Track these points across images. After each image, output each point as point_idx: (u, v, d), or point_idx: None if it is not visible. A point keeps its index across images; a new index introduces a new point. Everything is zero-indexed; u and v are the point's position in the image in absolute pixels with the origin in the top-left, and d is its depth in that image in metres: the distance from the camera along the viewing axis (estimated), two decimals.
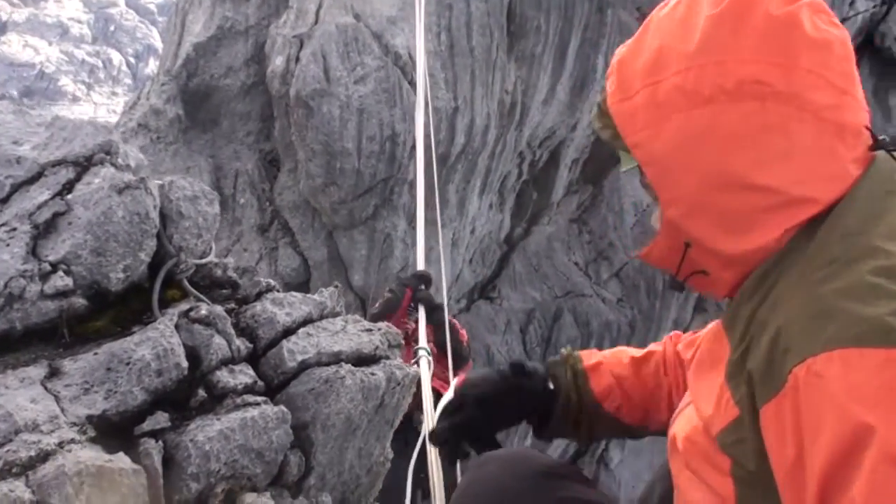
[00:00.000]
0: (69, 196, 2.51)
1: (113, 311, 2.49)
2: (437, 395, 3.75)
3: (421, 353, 3.98)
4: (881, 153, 1.32)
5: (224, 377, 2.39)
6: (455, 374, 5.20)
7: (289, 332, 2.64)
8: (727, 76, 1.25)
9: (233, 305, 2.69)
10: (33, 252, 2.39)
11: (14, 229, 2.40)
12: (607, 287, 13.00)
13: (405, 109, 8.83)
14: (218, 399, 2.36)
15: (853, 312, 1.12)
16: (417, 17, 5.36)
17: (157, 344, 2.31)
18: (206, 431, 2.21)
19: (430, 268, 5.15)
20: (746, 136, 1.26)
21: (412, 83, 8.82)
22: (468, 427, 1.82)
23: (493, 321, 12.08)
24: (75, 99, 42.89)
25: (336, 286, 2.97)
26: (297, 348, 2.56)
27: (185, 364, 2.33)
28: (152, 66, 42.81)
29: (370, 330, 2.80)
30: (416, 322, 4.72)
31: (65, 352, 2.33)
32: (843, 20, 12.30)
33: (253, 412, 2.32)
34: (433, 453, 3.13)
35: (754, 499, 1.32)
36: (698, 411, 1.44)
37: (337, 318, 2.82)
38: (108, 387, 2.20)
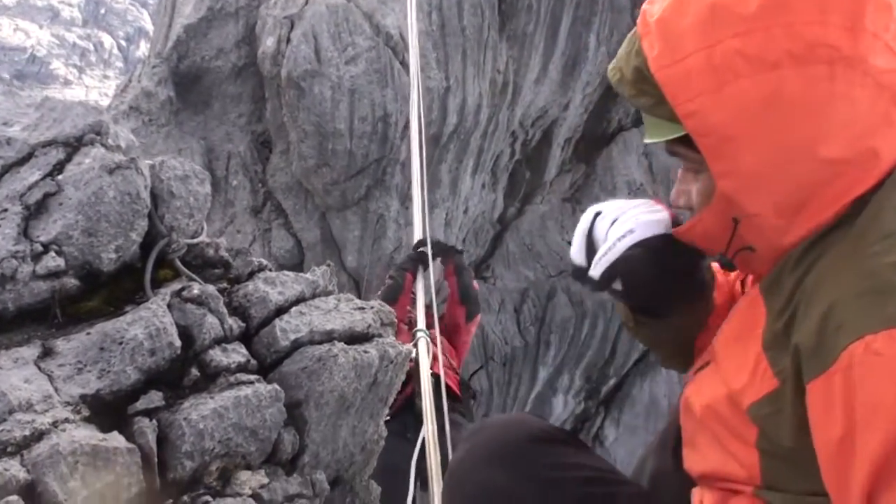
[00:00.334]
0: (60, 177, 2.51)
1: (105, 291, 2.49)
2: (438, 380, 3.78)
3: (420, 334, 3.98)
4: None
5: (217, 356, 2.40)
6: (467, 324, 5.27)
7: (281, 310, 2.64)
8: (796, 39, 1.18)
9: (225, 285, 2.69)
10: (25, 233, 2.39)
11: (5, 210, 2.41)
12: None
13: (397, 90, 8.81)
14: (211, 378, 2.36)
15: None
16: None
17: (149, 323, 2.31)
18: (200, 410, 2.22)
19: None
20: (812, 102, 1.19)
21: (403, 63, 8.79)
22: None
23: (487, 301, 12.09)
24: (67, 82, 42.59)
25: (328, 265, 2.97)
26: (289, 327, 2.57)
27: (177, 343, 2.34)
28: (143, 48, 42.61)
29: (363, 308, 2.80)
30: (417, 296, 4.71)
31: (57, 332, 2.34)
32: None
33: (246, 391, 2.33)
34: (431, 439, 3.15)
35: (781, 472, 1.30)
36: (724, 380, 1.40)
37: (329, 296, 2.83)
38: (102, 366, 2.21)
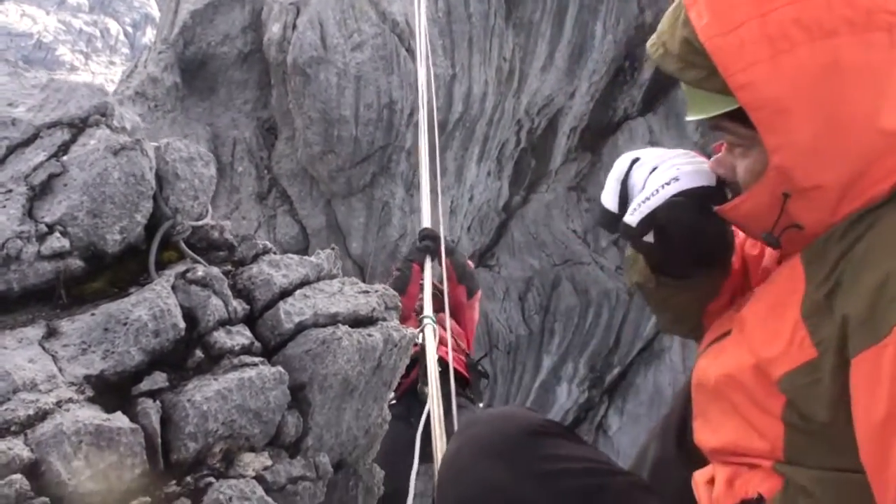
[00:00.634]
0: (65, 157, 2.50)
1: (110, 272, 2.49)
2: (445, 365, 3.79)
3: (426, 321, 3.99)
4: None
5: (221, 338, 2.39)
6: (469, 301, 5.38)
7: (285, 293, 2.64)
8: (854, 6, 1.14)
9: (229, 267, 2.69)
10: (29, 213, 2.39)
11: (10, 191, 2.41)
12: (606, 255, 13.01)
13: (402, 77, 8.80)
14: (215, 360, 2.36)
15: None
16: None
17: (153, 305, 2.31)
18: (204, 391, 2.21)
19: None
20: (872, 71, 1.15)
21: (409, 50, 8.78)
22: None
23: (492, 289, 12.11)
24: (73, 68, 42.60)
25: (333, 248, 2.96)
26: (293, 310, 2.57)
27: (182, 325, 2.34)
28: (150, 35, 42.57)
29: (367, 292, 2.80)
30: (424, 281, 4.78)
31: (62, 312, 2.34)
32: None
33: (250, 373, 2.33)
34: (438, 425, 3.14)
35: (807, 446, 1.26)
36: (752, 349, 1.35)
37: (334, 279, 2.82)
38: (106, 347, 2.21)
